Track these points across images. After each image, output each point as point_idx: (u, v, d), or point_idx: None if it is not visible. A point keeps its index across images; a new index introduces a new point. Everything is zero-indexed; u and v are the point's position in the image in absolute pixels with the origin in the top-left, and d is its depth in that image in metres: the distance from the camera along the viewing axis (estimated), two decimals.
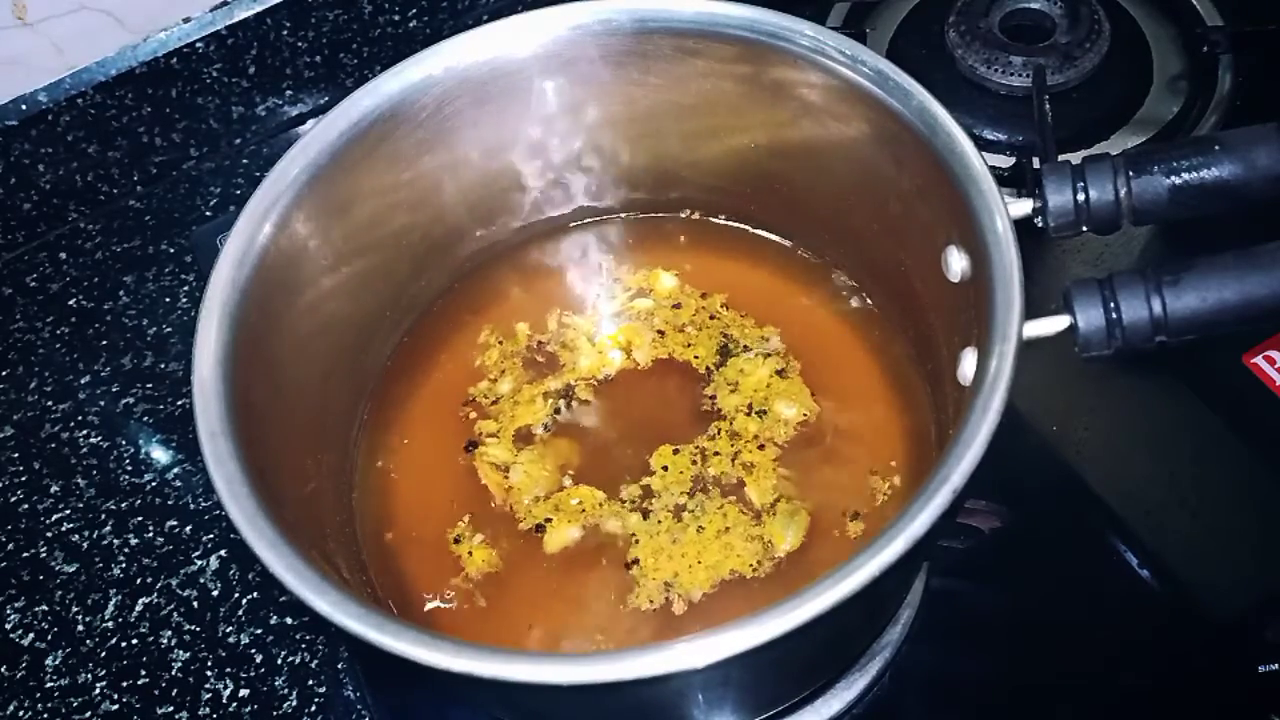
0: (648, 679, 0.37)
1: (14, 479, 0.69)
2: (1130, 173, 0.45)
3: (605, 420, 0.58)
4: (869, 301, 0.60)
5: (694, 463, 0.55)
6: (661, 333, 0.60)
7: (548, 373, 0.60)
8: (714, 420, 0.56)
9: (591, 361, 0.60)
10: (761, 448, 0.55)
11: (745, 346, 0.58)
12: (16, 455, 0.70)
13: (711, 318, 0.60)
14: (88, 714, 0.61)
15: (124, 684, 0.61)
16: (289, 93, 0.83)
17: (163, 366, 0.73)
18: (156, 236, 0.79)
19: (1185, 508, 0.60)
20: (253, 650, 0.62)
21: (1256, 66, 0.74)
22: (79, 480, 0.69)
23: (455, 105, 0.55)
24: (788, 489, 0.54)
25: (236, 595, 0.64)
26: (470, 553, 0.54)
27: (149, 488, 0.68)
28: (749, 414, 0.56)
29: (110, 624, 0.63)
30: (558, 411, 0.58)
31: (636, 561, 0.53)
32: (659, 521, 0.54)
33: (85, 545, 0.66)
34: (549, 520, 0.55)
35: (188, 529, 0.66)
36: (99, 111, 0.76)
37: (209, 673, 0.61)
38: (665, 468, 0.55)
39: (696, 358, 0.59)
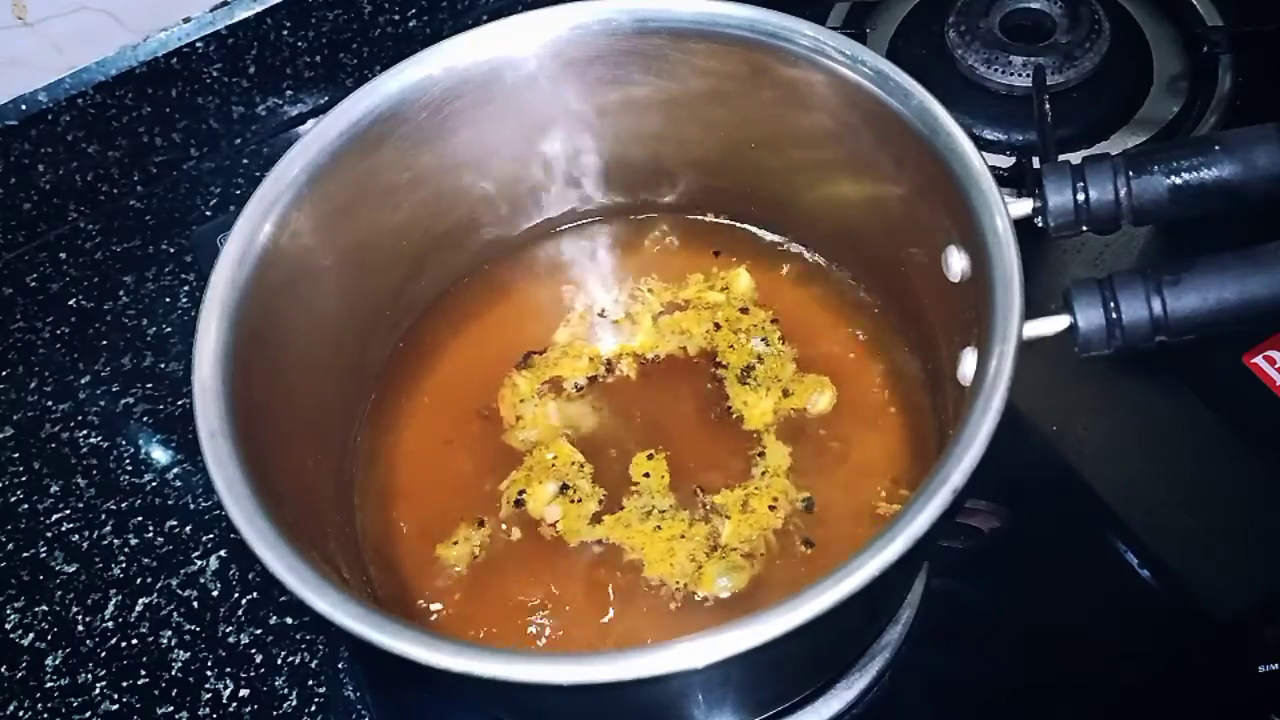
0: (648, 679, 0.37)
1: (14, 479, 0.69)
2: (1130, 173, 0.45)
3: (628, 404, 0.58)
4: (869, 301, 0.60)
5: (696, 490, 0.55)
6: (718, 325, 0.60)
7: (600, 341, 0.61)
8: (759, 466, 0.55)
9: (645, 339, 0.60)
10: (772, 508, 0.54)
11: (756, 380, 0.58)
12: (16, 455, 0.70)
13: (764, 341, 0.59)
14: (88, 714, 0.61)
15: (124, 684, 0.61)
16: (289, 93, 0.83)
17: (163, 366, 0.73)
18: (156, 236, 0.79)
19: (1185, 508, 0.60)
20: (253, 650, 0.62)
21: (1256, 66, 0.74)
22: (79, 480, 0.69)
23: (455, 105, 0.55)
24: (757, 547, 0.53)
25: (236, 595, 0.64)
26: (468, 545, 0.54)
27: (149, 488, 0.68)
28: (784, 475, 0.55)
29: (110, 624, 0.63)
30: (594, 378, 0.59)
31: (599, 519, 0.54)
32: (631, 507, 0.54)
33: (85, 545, 0.66)
34: (524, 493, 0.55)
35: (188, 529, 0.66)
36: (99, 111, 0.76)
37: (209, 673, 0.61)
38: (646, 474, 0.55)
39: (724, 365, 0.59)
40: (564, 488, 0.55)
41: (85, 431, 0.71)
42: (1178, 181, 0.44)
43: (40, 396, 0.73)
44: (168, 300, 0.76)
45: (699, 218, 0.64)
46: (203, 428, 0.44)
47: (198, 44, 0.77)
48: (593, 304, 0.62)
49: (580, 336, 0.61)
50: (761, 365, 0.58)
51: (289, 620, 0.62)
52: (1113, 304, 0.44)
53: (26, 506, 0.68)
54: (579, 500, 0.55)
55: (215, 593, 0.64)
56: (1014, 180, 0.71)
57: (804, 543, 0.53)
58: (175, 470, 0.69)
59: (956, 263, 0.48)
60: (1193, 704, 0.56)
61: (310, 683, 0.60)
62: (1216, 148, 0.44)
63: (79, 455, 0.70)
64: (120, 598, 0.64)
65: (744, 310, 0.60)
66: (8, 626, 0.64)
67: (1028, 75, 0.72)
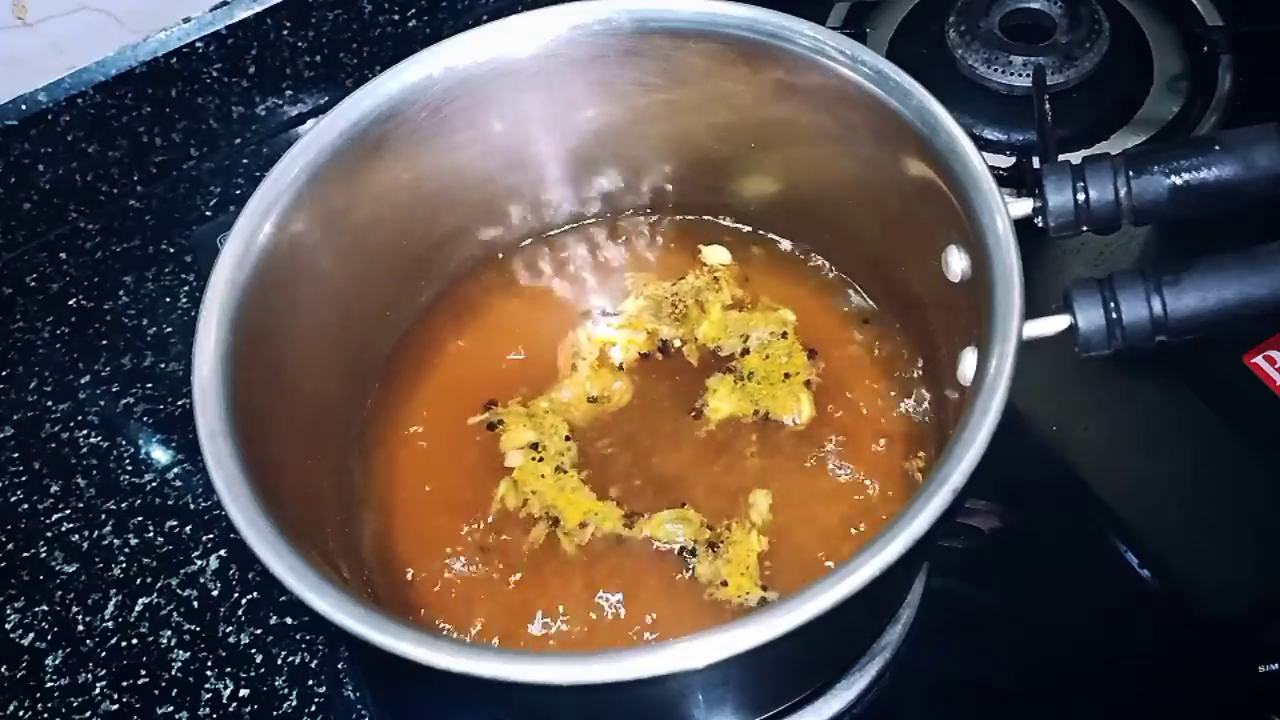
0: (648, 679, 0.37)
1: (14, 479, 0.69)
2: (1130, 173, 0.45)
3: (658, 395, 0.58)
4: (869, 301, 0.60)
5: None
6: (785, 334, 0.59)
7: (666, 322, 0.60)
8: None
9: (708, 330, 0.60)
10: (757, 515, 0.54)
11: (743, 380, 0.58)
12: (16, 455, 0.70)
13: (787, 374, 0.58)
14: (88, 714, 0.61)
15: (124, 684, 0.61)
16: (289, 93, 0.83)
17: (163, 366, 0.73)
18: (156, 236, 0.79)
19: (1185, 508, 0.60)
20: (253, 650, 0.62)
21: (1256, 66, 0.74)
22: (79, 480, 0.69)
23: (455, 105, 0.55)
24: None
25: (236, 595, 0.64)
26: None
27: (149, 488, 0.68)
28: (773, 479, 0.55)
29: (110, 624, 0.63)
30: (646, 355, 0.59)
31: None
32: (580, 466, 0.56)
33: (85, 545, 0.66)
34: (501, 424, 0.57)
35: (188, 529, 0.66)
36: (99, 111, 0.76)
37: (209, 673, 0.61)
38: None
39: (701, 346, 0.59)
40: (535, 445, 0.56)
41: (85, 431, 0.71)
42: (1178, 181, 0.44)
43: (40, 396, 0.73)
44: (168, 300, 0.76)
45: (696, 218, 0.64)
46: (203, 428, 0.44)
47: (198, 44, 0.77)
48: (590, 306, 0.62)
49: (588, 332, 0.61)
50: (754, 377, 0.58)
51: (289, 620, 0.62)
52: (1113, 304, 0.44)
53: (26, 506, 0.68)
54: (540, 459, 0.55)
55: (215, 593, 0.64)
56: (1014, 180, 0.71)
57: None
58: (175, 470, 0.69)
59: (956, 263, 0.48)
60: (1193, 704, 0.56)
61: (310, 683, 0.60)
62: (1216, 148, 0.44)
63: (79, 455, 0.70)
64: (120, 598, 0.64)
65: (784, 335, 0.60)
66: (8, 626, 0.64)
67: (1028, 75, 0.72)
